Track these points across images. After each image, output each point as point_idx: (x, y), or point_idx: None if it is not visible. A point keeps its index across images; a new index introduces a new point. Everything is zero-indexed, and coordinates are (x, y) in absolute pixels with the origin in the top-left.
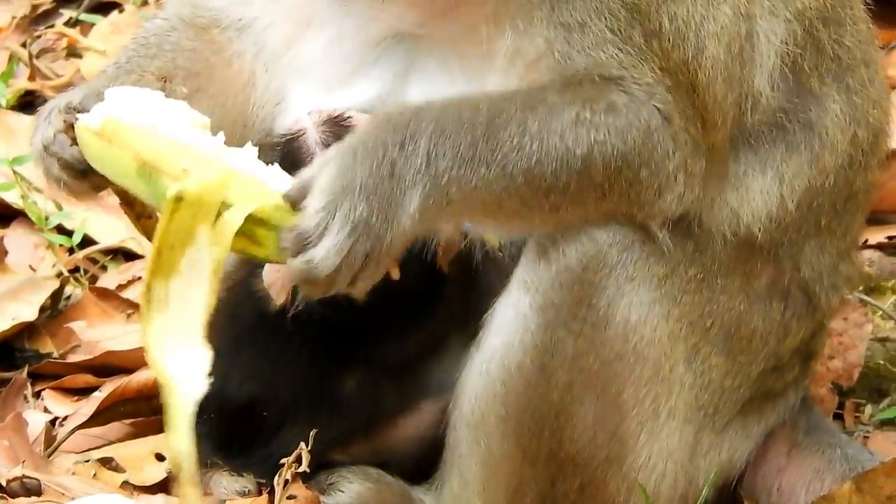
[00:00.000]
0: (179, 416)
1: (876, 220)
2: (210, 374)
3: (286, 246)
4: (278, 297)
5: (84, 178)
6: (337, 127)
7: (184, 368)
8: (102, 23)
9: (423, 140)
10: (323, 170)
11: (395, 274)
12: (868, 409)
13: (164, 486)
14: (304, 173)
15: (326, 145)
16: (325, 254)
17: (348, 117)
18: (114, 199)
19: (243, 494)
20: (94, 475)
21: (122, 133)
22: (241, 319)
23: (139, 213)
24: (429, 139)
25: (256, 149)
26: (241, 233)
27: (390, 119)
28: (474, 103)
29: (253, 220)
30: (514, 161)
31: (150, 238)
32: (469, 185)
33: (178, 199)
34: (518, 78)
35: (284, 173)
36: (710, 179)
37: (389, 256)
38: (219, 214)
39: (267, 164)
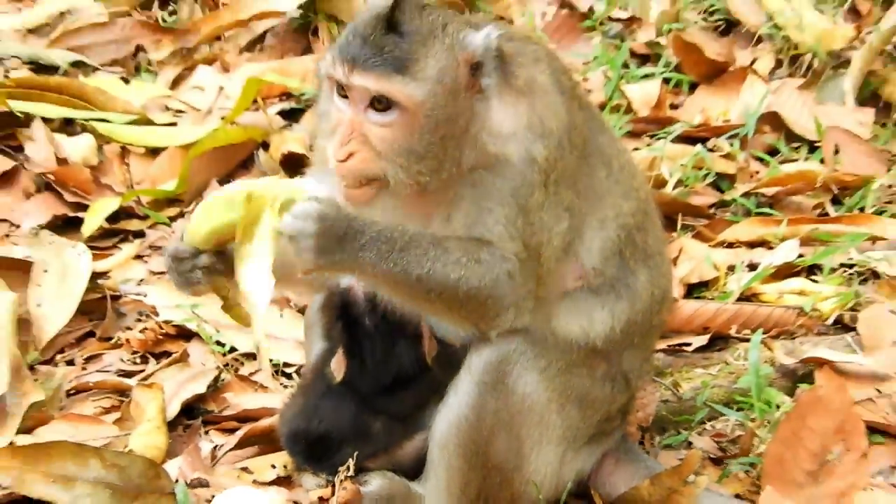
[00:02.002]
0: (256, 316)
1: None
2: (300, 422)
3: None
4: (338, 375)
5: (186, 253)
6: None
7: (260, 290)
8: None
9: (363, 240)
10: (320, 207)
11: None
12: (657, 439)
13: (277, 482)
14: (313, 202)
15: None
16: (284, 226)
17: None
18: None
19: (319, 486)
20: (238, 477)
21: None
22: (319, 388)
23: (226, 302)
24: (367, 240)
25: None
26: (283, 211)
27: (360, 222)
28: (405, 230)
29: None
30: (411, 268)
31: (233, 317)
32: (379, 270)
33: (249, 197)
34: (446, 230)
35: (310, 181)
36: (542, 311)
37: (309, 269)
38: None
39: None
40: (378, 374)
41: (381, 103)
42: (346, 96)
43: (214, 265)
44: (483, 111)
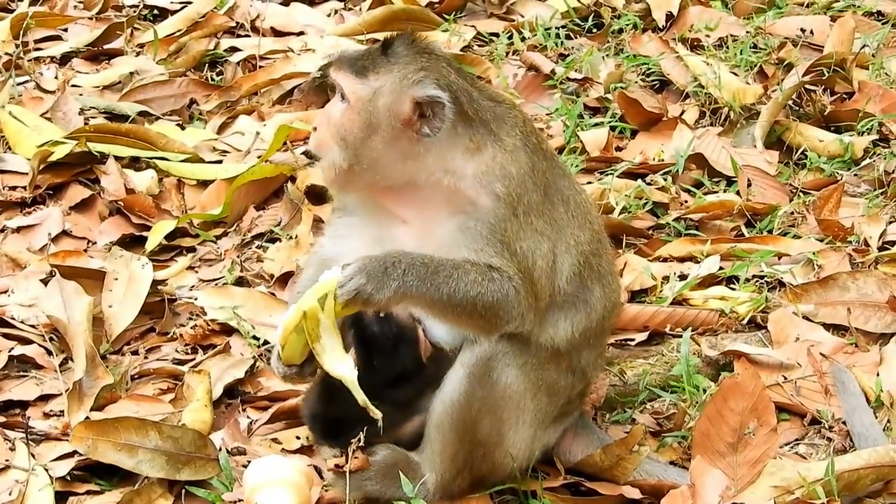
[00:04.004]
0: (352, 387)
1: None
2: (319, 406)
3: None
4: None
5: (292, 370)
6: None
7: (344, 369)
8: None
9: (402, 267)
10: (355, 265)
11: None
12: (607, 416)
13: (301, 451)
14: (348, 267)
15: None
16: (343, 291)
17: None
18: None
19: (335, 456)
20: (269, 446)
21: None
22: (335, 380)
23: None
24: (404, 270)
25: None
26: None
27: (393, 255)
28: (431, 258)
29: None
30: (442, 287)
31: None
32: (420, 291)
33: (304, 315)
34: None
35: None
36: (539, 321)
37: (370, 306)
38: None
39: None
40: (383, 371)
41: (342, 97)
42: None
43: (313, 368)
44: (445, 159)
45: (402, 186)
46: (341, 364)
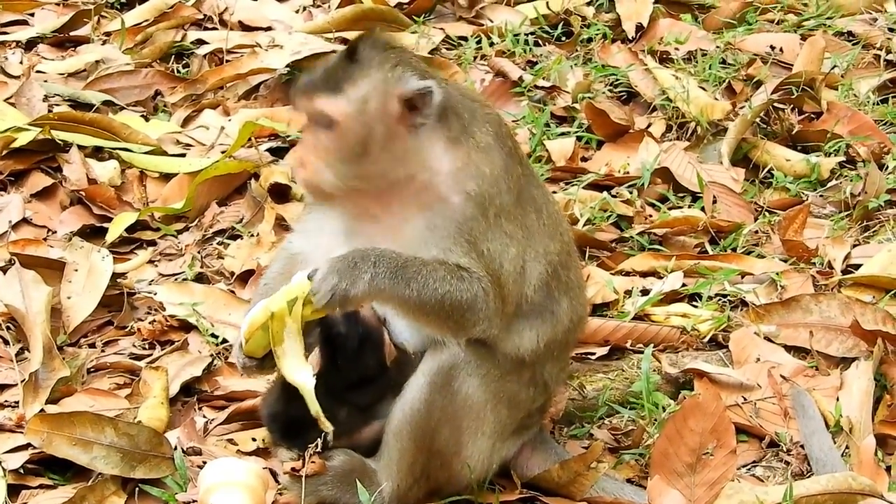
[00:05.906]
0: (307, 395)
1: None
2: (278, 406)
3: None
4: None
5: (253, 362)
6: None
7: (301, 376)
8: None
9: (372, 259)
10: (325, 266)
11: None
12: (565, 430)
13: (257, 453)
14: (318, 270)
15: None
16: (319, 295)
17: None
18: None
19: (292, 459)
20: (225, 447)
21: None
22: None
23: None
24: (374, 262)
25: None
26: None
27: (360, 251)
28: (399, 254)
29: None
30: (412, 283)
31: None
32: (391, 285)
33: (271, 314)
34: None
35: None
36: (506, 327)
37: (347, 304)
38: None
39: None
40: (346, 372)
41: (324, 120)
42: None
43: (273, 363)
44: (426, 151)
45: (388, 186)
46: (300, 371)
